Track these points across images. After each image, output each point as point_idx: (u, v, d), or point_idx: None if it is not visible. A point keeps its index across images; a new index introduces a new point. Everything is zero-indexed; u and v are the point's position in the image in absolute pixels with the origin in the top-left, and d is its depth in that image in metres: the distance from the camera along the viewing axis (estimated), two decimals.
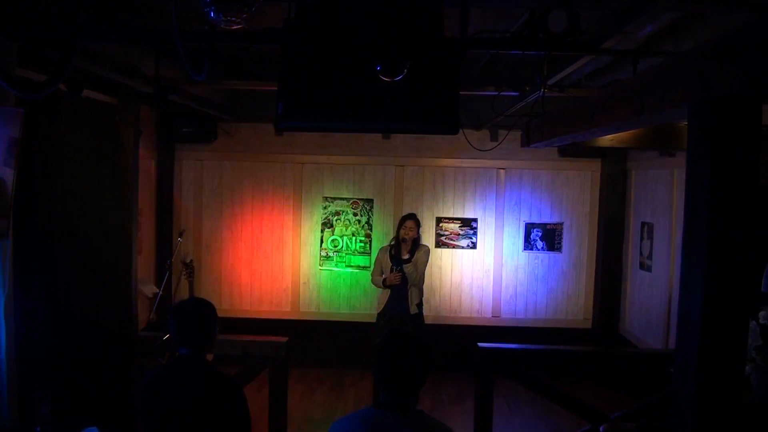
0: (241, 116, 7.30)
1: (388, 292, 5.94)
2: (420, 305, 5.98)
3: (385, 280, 5.93)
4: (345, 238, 7.48)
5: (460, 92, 3.49)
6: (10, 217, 3.36)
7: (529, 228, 7.47)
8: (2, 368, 3.38)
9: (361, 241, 7.47)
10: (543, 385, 4.68)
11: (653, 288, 6.47)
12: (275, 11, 3.41)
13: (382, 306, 5.98)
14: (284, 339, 4.65)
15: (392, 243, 6.08)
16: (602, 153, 7.24)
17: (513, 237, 7.48)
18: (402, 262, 5.88)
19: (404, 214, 6.29)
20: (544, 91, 4.25)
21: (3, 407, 3.39)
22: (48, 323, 4.13)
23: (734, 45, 1.88)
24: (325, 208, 7.48)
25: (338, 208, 7.48)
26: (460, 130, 3.56)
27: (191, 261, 7.36)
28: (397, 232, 6.01)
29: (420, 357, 2.30)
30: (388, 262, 5.97)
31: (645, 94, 2.56)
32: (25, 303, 3.80)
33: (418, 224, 6.00)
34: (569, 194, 7.47)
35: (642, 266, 6.77)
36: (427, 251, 6.05)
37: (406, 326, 5.78)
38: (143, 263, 6.59)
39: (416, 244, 5.96)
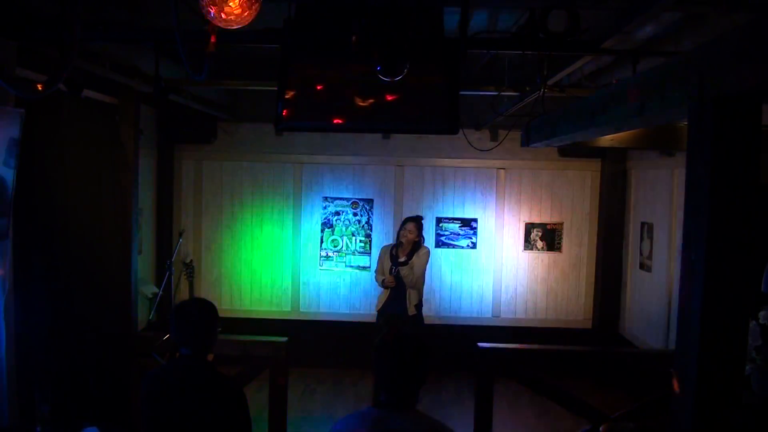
0: (241, 116, 7.29)
1: (387, 291, 5.98)
2: (418, 306, 5.97)
3: (383, 281, 5.97)
4: (345, 238, 7.48)
5: (460, 92, 3.50)
6: (10, 217, 3.36)
7: (529, 228, 7.47)
8: (2, 368, 3.38)
9: (361, 241, 7.47)
10: (543, 385, 4.67)
11: (653, 288, 6.46)
12: (275, 11, 3.41)
13: (381, 304, 6.01)
14: (284, 339, 4.64)
15: (394, 243, 6.10)
16: (602, 153, 7.24)
17: (513, 237, 7.47)
18: (399, 264, 5.88)
19: (409, 215, 6.30)
20: (544, 91, 4.24)
21: (3, 407, 3.39)
22: (48, 323, 4.13)
23: (734, 45, 1.88)
24: (325, 208, 7.48)
25: (338, 208, 7.48)
26: (460, 130, 3.56)
27: (191, 261, 7.36)
28: (398, 233, 6.05)
29: (420, 357, 2.30)
30: (387, 262, 5.99)
31: (645, 94, 2.56)
32: (25, 303, 3.80)
33: (419, 227, 5.99)
34: (569, 194, 7.47)
35: (642, 266, 6.76)
36: (427, 253, 6.02)
37: (404, 326, 5.79)
38: (143, 263, 6.58)
39: (416, 246, 5.96)
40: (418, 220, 6.04)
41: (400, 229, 6.03)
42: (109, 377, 4.78)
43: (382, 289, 6.03)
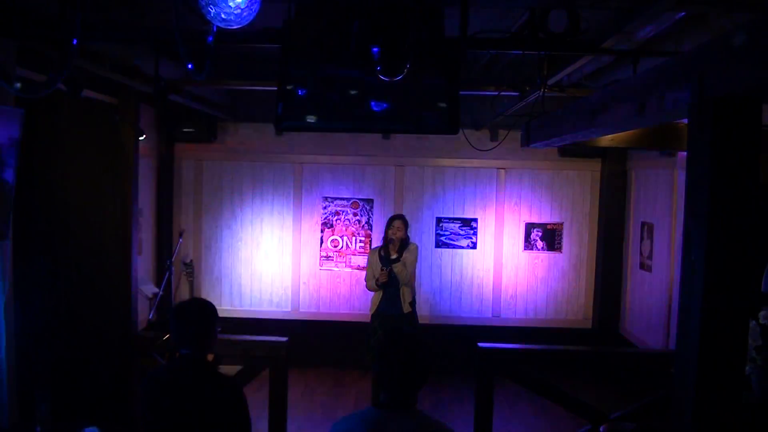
0: (241, 116, 7.30)
1: (380, 293, 5.94)
2: (413, 304, 5.96)
3: (377, 280, 5.93)
4: (345, 238, 7.48)
5: (460, 92, 3.49)
6: (10, 217, 3.36)
7: (529, 228, 7.47)
8: (2, 368, 3.37)
9: (361, 241, 7.47)
10: (543, 385, 4.67)
11: (653, 288, 6.46)
12: (275, 11, 3.41)
13: (375, 307, 5.97)
14: (284, 339, 4.64)
15: (382, 244, 6.07)
16: (602, 153, 7.24)
17: (513, 237, 7.47)
18: (391, 262, 5.87)
19: (392, 214, 6.28)
20: (544, 91, 4.24)
21: (3, 407, 3.39)
22: (48, 323, 4.13)
23: (734, 45, 1.87)
24: (325, 208, 7.48)
25: (338, 208, 7.48)
26: (460, 130, 3.56)
27: (191, 261, 7.36)
28: (386, 232, 6.01)
29: (420, 357, 2.30)
30: (378, 263, 5.96)
31: (645, 94, 2.56)
32: (25, 303, 3.80)
33: (406, 224, 5.98)
34: (569, 194, 7.47)
35: (642, 266, 6.76)
36: (416, 249, 6.02)
37: (403, 326, 5.78)
38: (143, 263, 6.59)
39: (404, 243, 5.95)
40: (403, 217, 6.04)
41: (388, 227, 5.97)
42: (109, 377, 4.78)
43: (376, 291, 6.01)
